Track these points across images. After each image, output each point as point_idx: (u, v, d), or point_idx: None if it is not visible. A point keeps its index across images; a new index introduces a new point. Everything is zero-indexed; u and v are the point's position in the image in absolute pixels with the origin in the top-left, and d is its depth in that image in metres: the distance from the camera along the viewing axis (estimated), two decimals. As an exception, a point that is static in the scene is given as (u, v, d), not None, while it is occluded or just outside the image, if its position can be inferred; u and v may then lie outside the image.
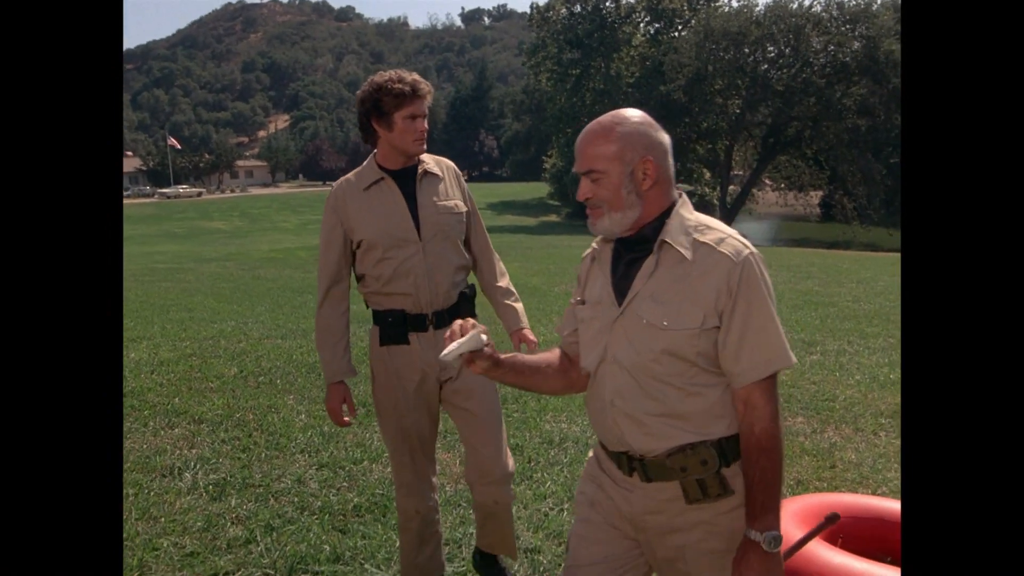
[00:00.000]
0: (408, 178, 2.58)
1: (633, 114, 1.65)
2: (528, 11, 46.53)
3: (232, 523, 3.33)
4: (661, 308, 1.58)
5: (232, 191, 78.15)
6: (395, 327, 2.57)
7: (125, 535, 3.16)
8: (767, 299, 1.58)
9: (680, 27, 42.26)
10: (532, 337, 2.73)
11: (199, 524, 3.30)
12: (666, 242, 1.61)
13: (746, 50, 36.80)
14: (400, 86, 2.45)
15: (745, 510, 1.61)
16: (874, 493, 3.68)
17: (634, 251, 1.66)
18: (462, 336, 1.62)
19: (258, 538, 3.17)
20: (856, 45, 34.80)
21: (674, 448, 1.60)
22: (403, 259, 2.52)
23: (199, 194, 69.98)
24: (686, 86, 37.22)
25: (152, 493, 3.65)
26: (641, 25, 43.66)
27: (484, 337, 1.63)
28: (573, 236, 29.26)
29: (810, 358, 6.88)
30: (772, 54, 37.36)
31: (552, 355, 1.85)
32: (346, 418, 2.68)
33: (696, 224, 1.63)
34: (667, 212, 1.64)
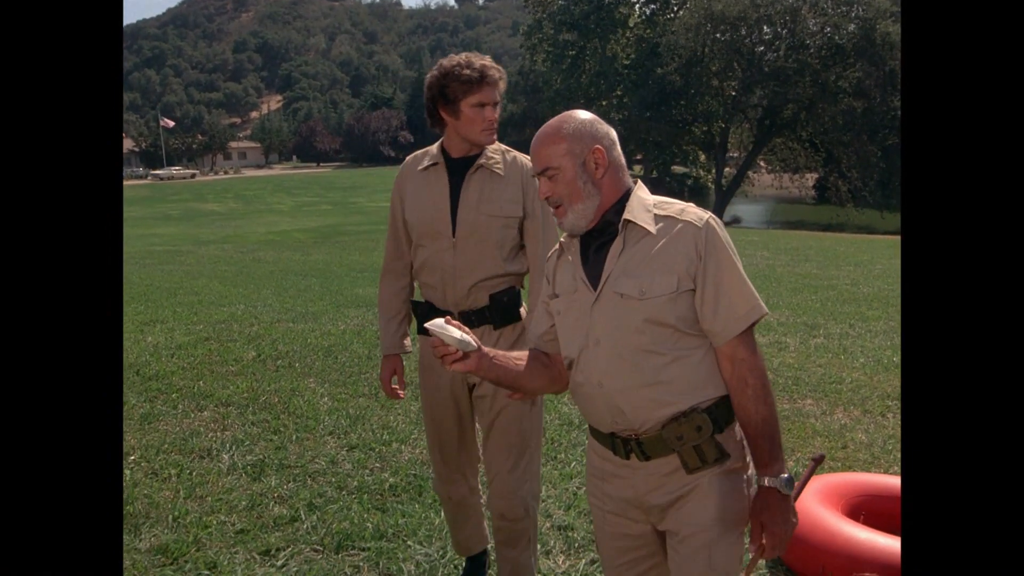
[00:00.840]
0: (465, 169, 2.46)
1: (579, 113, 1.77)
2: (524, -9, 46.32)
3: (275, 502, 3.47)
4: (635, 280, 1.66)
5: (225, 173, 77.89)
6: (423, 319, 2.49)
7: (177, 513, 3.31)
8: (733, 257, 1.68)
9: (676, 8, 42.17)
10: None
11: (244, 503, 3.44)
12: (629, 220, 1.71)
13: (742, 32, 36.81)
14: (468, 72, 2.34)
15: (754, 461, 1.69)
16: (886, 472, 3.84)
17: (601, 238, 1.75)
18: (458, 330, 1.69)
19: (302, 516, 3.31)
20: (852, 27, 34.83)
21: (668, 418, 1.66)
22: (433, 251, 2.47)
23: (193, 175, 69.80)
24: (682, 68, 37.25)
25: (195, 474, 3.79)
26: (637, 6, 43.55)
27: (473, 344, 1.70)
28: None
29: (814, 341, 7.03)
30: (768, 36, 37.37)
31: (526, 355, 1.88)
32: (397, 391, 2.67)
33: (654, 202, 1.74)
34: (625, 197, 1.75)
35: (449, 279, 2.45)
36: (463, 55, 2.40)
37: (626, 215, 1.72)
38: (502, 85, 2.42)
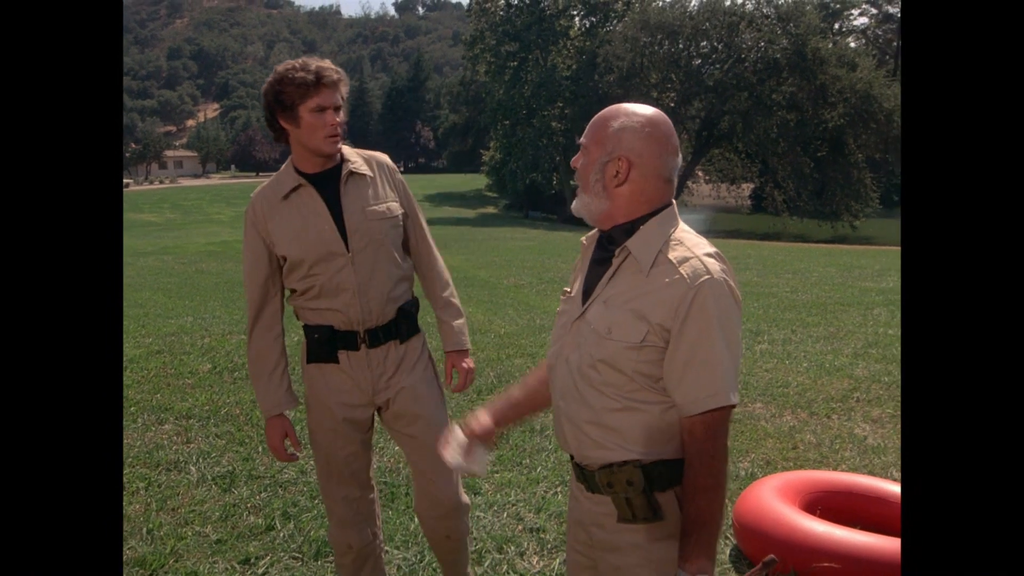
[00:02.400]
0: (331, 182, 2.30)
1: (643, 115, 1.59)
2: (465, 1, 46.45)
3: (249, 512, 3.50)
4: (608, 316, 1.55)
5: (161, 182, 76.12)
6: (322, 344, 2.34)
7: (151, 525, 3.32)
8: (717, 330, 1.48)
9: (615, 20, 42.89)
10: (467, 365, 2.49)
11: (217, 514, 3.46)
12: (628, 250, 1.57)
13: (680, 45, 37.66)
14: (303, 74, 2.17)
15: (679, 547, 1.52)
16: (835, 470, 4.05)
17: (605, 251, 1.63)
18: (463, 452, 1.77)
19: (277, 525, 3.35)
20: (785, 42, 35.96)
21: (604, 462, 1.57)
22: (331, 274, 2.28)
23: (126, 185, 68.05)
24: (621, 79, 37.88)
25: (164, 487, 3.79)
26: (577, 18, 44.15)
27: (486, 462, 1.77)
28: (513, 228, 29.50)
29: (759, 347, 7.29)
30: (706, 49, 38.29)
31: (541, 370, 1.83)
32: (292, 453, 2.44)
33: (669, 238, 1.56)
34: (643, 220, 1.58)
35: (355, 298, 2.30)
36: (298, 59, 2.25)
37: (628, 243, 1.58)
38: (343, 88, 2.26)
